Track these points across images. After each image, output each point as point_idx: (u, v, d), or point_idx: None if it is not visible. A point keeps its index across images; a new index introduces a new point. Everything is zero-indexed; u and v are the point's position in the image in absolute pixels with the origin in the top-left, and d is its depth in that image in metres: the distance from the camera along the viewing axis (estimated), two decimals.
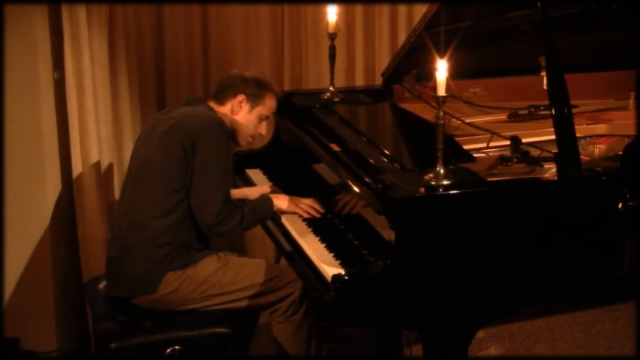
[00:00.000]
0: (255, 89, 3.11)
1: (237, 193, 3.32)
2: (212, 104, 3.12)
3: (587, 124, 3.39)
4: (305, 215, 3.10)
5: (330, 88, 3.61)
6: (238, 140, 3.17)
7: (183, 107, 3.09)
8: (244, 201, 3.04)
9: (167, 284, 2.97)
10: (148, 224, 2.96)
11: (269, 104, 3.15)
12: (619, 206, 2.78)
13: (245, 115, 3.12)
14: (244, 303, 3.04)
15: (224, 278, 3.01)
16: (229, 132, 3.05)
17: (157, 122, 3.06)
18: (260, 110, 3.13)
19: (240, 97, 3.10)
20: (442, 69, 2.58)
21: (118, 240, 3.04)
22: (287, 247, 3.06)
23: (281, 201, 3.13)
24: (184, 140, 2.93)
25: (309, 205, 3.12)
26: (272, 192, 3.28)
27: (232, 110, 3.11)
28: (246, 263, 3.11)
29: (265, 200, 3.11)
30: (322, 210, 3.11)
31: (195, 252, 3.02)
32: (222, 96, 3.13)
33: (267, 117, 3.17)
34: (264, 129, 3.19)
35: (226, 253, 3.12)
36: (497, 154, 3.07)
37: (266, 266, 3.08)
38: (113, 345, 2.88)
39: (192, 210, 2.96)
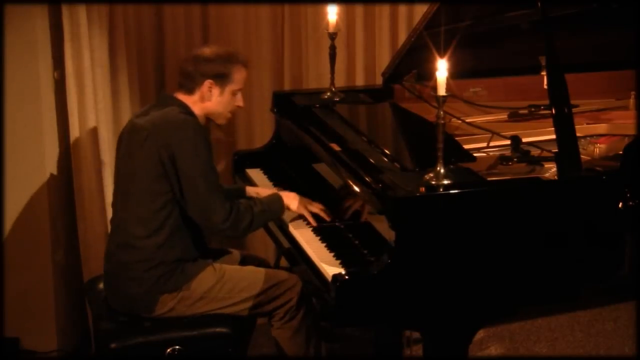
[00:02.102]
0: (220, 67, 2.95)
1: (252, 191, 3.29)
2: (181, 96, 2.99)
3: (587, 124, 3.39)
4: (312, 222, 3.03)
5: (331, 88, 3.61)
6: (218, 122, 3.07)
7: (155, 107, 2.98)
8: (254, 201, 2.99)
9: (163, 304, 2.93)
10: (139, 245, 2.90)
11: (238, 78, 3.00)
12: (619, 206, 2.78)
13: (218, 99, 2.98)
14: (241, 314, 3.00)
15: (220, 293, 2.97)
16: (205, 130, 2.94)
17: (133, 129, 2.95)
18: (232, 87, 2.98)
19: (207, 82, 2.95)
20: (442, 68, 2.58)
21: (112, 258, 3.00)
22: (287, 246, 3.06)
23: (291, 201, 3.06)
24: (160, 154, 2.84)
25: (319, 208, 3.06)
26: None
27: (202, 98, 2.96)
28: (242, 274, 3.03)
29: (275, 199, 3.05)
30: (330, 217, 3.05)
31: (190, 266, 2.96)
32: (188, 85, 2.98)
33: (240, 89, 3.02)
34: (240, 101, 3.04)
35: (222, 262, 3.09)
36: (498, 153, 3.08)
37: (263, 275, 3.02)
38: (113, 345, 2.88)
39: (198, 221, 2.90)
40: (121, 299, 2.99)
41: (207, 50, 3.00)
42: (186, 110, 2.96)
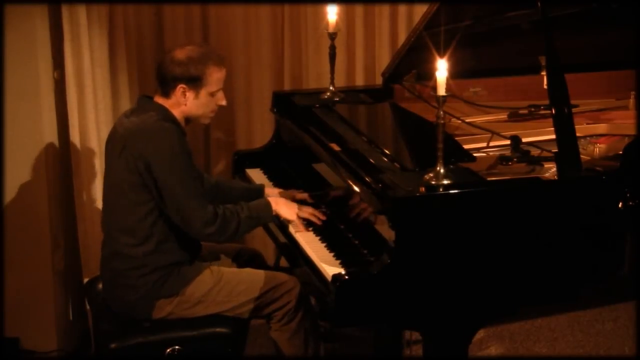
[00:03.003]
0: (193, 70, 2.84)
1: (270, 193, 3.27)
2: (160, 99, 2.91)
3: (587, 124, 3.39)
4: (300, 226, 3.00)
5: (331, 88, 3.61)
6: (200, 122, 3.02)
7: (135, 112, 2.92)
8: (241, 206, 2.95)
9: (160, 309, 2.92)
10: (130, 253, 2.89)
11: (214, 79, 2.89)
12: (619, 206, 2.78)
13: (194, 102, 2.89)
14: (241, 316, 2.99)
15: (218, 296, 2.95)
16: (181, 132, 2.88)
17: (114, 136, 2.92)
18: (208, 89, 2.89)
19: (180, 87, 2.86)
20: (442, 68, 2.58)
21: (107, 266, 2.99)
22: (283, 240, 3.06)
23: (280, 207, 3.02)
24: (137, 164, 2.80)
25: (309, 212, 3.03)
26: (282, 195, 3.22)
27: (178, 103, 2.88)
28: (241, 277, 3.01)
29: (263, 205, 3.01)
30: (324, 218, 3.02)
31: (187, 269, 2.94)
32: (163, 89, 2.90)
33: (220, 89, 2.92)
34: (223, 100, 2.96)
35: (220, 264, 3.08)
36: (497, 153, 3.07)
37: (262, 278, 2.99)
38: (113, 345, 2.88)
39: (182, 227, 2.86)
40: (119, 305, 2.98)
41: (180, 53, 2.88)
42: (165, 115, 2.89)
